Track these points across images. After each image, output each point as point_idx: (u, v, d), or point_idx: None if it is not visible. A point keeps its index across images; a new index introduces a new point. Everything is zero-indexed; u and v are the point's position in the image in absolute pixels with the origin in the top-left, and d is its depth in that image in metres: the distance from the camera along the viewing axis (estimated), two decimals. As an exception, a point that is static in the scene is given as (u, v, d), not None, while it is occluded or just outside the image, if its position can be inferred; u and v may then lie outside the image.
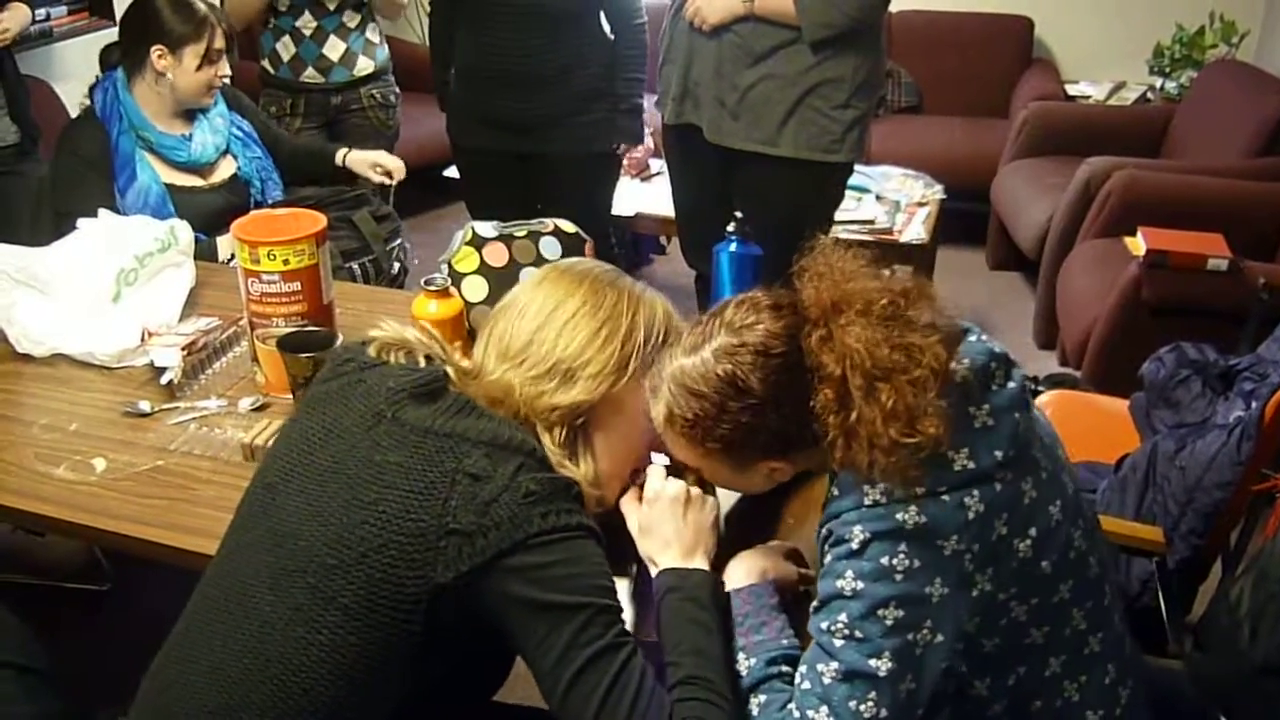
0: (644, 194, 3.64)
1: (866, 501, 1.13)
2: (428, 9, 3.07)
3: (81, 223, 2.11)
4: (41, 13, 3.63)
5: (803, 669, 1.16)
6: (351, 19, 3.09)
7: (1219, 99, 3.97)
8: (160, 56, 2.40)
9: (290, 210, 2.30)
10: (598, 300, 1.28)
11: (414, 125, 3.80)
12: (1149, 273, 2.97)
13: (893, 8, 2.59)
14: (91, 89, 2.47)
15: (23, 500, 1.57)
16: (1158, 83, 4.57)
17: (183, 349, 1.85)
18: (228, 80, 2.51)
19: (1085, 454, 2.12)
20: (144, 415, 1.76)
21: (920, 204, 3.59)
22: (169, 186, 2.43)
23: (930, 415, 1.09)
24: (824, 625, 1.14)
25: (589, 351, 1.26)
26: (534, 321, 1.27)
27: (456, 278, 1.95)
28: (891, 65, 4.56)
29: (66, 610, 2.45)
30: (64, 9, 3.83)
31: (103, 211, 2.14)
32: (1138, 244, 3.05)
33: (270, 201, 2.60)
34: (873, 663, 1.11)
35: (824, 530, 1.19)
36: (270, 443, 1.63)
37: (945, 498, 1.12)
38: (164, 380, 1.81)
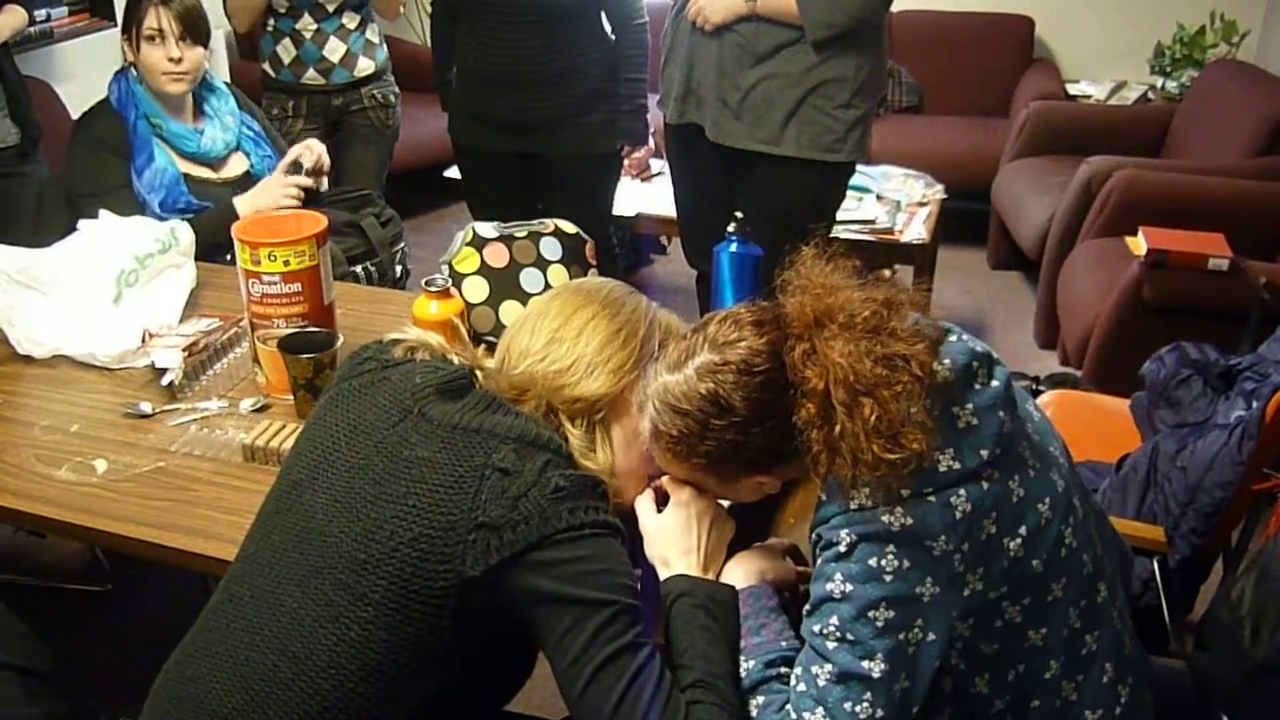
0: (645, 194, 3.63)
1: (852, 506, 1.13)
2: (428, 9, 3.06)
3: (82, 224, 2.11)
4: (42, 13, 3.63)
5: (798, 671, 1.16)
6: (351, 20, 3.09)
7: (1220, 98, 3.97)
8: (127, 44, 2.43)
9: (291, 211, 2.31)
10: (615, 307, 1.32)
11: (414, 125, 3.79)
12: (1150, 272, 2.96)
13: (894, 8, 2.59)
14: (110, 82, 2.49)
15: (24, 502, 1.57)
16: (1158, 82, 4.56)
17: (183, 350, 1.85)
18: (178, 65, 2.40)
19: (1086, 454, 2.12)
20: (145, 416, 1.76)
21: (921, 204, 3.59)
22: (183, 174, 2.44)
23: (914, 429, 1.09)
24: (816, 628, 1.15)
25: (609, 350, 1.28)
26: (555, 322, 1.30)
27: (457, 278, 1.95)
28: (892, 65, 4.55)
29: (67, 611, 2.46)
30: (64, 10, 3.83)
31: (103, 212, 2.14)
32: (1138, 243, 3.05)
33: None
34: (866, 664, 1.11)
35: (814, 535, 1.19)
36: (271, 443, 1.64)
37: (931, 498, 1.12)
38: (165, 381, 1.81)
